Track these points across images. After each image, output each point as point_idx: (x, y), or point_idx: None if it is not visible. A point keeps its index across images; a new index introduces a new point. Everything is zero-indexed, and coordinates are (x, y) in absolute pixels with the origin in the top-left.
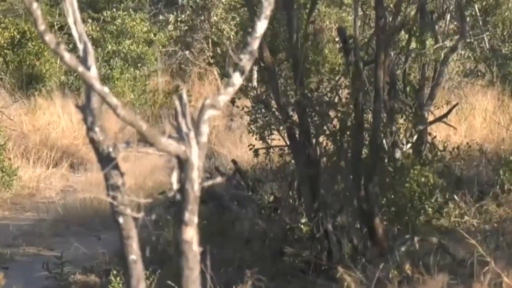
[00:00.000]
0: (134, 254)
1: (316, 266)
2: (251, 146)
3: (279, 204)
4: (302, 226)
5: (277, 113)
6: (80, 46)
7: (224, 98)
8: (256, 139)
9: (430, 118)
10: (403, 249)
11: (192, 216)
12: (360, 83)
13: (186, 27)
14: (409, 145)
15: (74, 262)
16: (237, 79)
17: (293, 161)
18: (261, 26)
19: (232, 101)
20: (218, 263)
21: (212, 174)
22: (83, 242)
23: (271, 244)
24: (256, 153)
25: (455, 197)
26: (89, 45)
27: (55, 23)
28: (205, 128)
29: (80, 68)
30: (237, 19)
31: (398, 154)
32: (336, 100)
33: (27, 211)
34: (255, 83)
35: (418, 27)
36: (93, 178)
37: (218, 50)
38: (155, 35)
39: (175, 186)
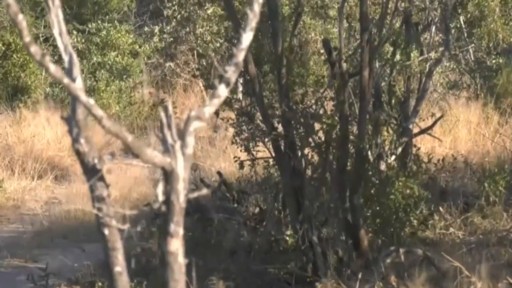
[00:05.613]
0: (120, 266)
1: (302, 278)
2: (236, 158)
3: (264, 216)
4: (287, 237)
5: (262, 125)
6: (66, 58)
7: (209, 109)
8: (241, 151)
9: (415, 130)
10: (388, 260)
11: (177, 228)
12: (345, 95)
13: (171, 39)
14: (394, 157)
15: (59, 274)
16: (223, 91)
17: (278, 172)
18: (247, 38)
19: (217, 113)
20: (203, 275)
21: (197, 186)
22: (67, 254)
23: (256, 256)
24: (241, 165)
25: (440, 209)
26: (75, 56)
27: (40, 35)
28: (190, 140)
29: (66, 80)
30: (222, 31)
31: (383, 166)
32: (321, 112)
33: (12, 223)
34: (240, 95)
35: (403, 39)
36: (78, 189)
37: (203, 62)
38: (140, 46)
39: (161, 197)
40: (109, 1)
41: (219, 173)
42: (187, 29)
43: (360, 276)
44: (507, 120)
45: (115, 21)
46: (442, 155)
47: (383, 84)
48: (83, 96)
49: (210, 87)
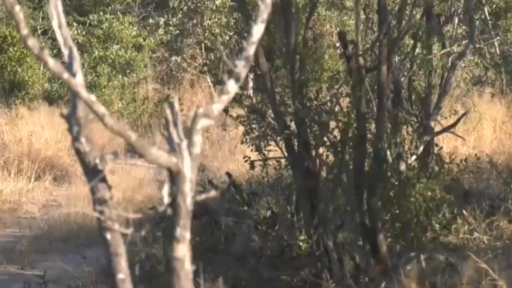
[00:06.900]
0: (123, 272)
1: (316, 285)
2: (246, 158)
3: (276, 219)
4: (300, 242)
5: (273, 123)
6: (65, 52)
7: (218, 106)
8: (251, 150)
9: (437, 128)
10: (408, 267)
11: (184, 232)
12: (362, 91)
13: (178, 31)
14: (415, 157)
15: (58, 282)
16: (232, 87)
17: (291, 173)
18: (258, 30)
19: (226, 110)
20: (211, 281)
21: (205, 188)
22: (67, 260)
23: (267, 262)
24: (251, 165)
25: (464, 212)
26: (75, 50)
27: (39, 27)
28: (198, 139)
29: (65, 75)
30: (231, 23)
31: (403, 167)
32: (336, 109)
33: (8, 227)
34: (250, 92)
35: (424, 31)
36: (79, 191)
37: (212, 56)
38: (144, 39)
39: (166, 200)
40: None
41: (228, 174)
42: (194, 21)
43: (383, 285)
44: None
45: (118, 13)
46: (465, 155)
47: (402, 79)
48: (83, 92)
49: (218, 82)
